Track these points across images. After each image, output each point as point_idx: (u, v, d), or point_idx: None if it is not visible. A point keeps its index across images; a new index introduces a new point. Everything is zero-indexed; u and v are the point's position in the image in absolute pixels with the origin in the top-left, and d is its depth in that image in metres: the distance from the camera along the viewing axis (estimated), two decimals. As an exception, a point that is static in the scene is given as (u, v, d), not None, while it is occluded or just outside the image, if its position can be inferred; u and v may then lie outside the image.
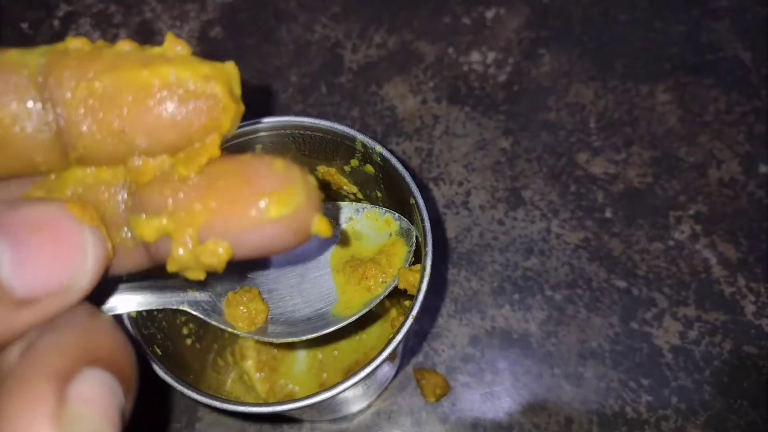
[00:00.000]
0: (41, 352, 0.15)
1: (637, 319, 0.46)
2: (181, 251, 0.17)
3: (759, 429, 0.43)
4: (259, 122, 0.32)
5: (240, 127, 0.32)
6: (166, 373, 0.28)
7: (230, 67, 0.18)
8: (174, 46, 0.17)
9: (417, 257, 0.32)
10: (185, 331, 0.35)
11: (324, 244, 0.34)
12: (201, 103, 0.17)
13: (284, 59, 0.56)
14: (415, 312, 0.27)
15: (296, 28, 0.57)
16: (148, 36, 0.58)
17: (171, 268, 0.17)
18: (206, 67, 0.17)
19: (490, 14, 0.58)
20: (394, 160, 0.31)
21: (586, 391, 0.44)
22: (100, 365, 0.16)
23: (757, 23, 0.57)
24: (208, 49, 0.57)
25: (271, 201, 0.16)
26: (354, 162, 0.33)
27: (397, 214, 0.33)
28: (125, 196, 0.18)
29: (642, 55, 0.56)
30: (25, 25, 0.59)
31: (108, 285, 0.26)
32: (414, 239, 0.33)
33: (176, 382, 0.28)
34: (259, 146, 0.33)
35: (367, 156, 0.32)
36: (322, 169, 0.35)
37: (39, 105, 0.17)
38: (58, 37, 0.58)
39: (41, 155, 0.17)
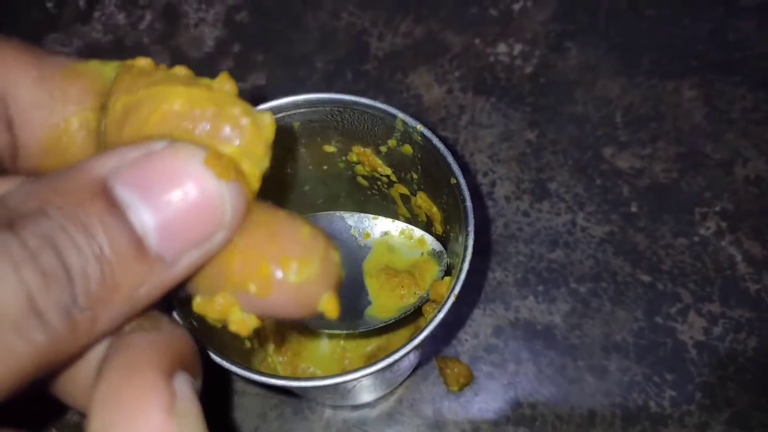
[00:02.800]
0: (145, 348, 0.16)
1: (662, 313, 0.45)
2: (199, 299, 0.17)
3: (783, 427, 0.42)
4: (299, 98, 0.31)
5: (280, 103, 0.32)
6: (210, 350, 0.28)
7: (268, 119, 0.17)
8: (224, 82, 0.17)
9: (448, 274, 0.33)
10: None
11: (359, 251, 0.35)
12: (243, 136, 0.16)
13: (310, 46, 0.56)
14: (457, 290, 0.27)
15: (322, 15, 0.57)
16: (173, 19, 0.57)
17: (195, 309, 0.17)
18: (240, 107, 0.16)
19: (517, 6, 0.57)
20: (435, 140, 0.31)
21: (610, 385, 0.44)
22: (186, 370, 0.16)
23: (784, 23, 0.56)
24: (233, 34, 0.56)
25: (282, 265, 0.16)
26: (392, 142, 0.33)
27: (430, 237, 0.34)
28: None
29: (669, 51, 0.55)
30: (50, 4, 0.58)
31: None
32: (445, 261, 0.34)
33: (214, 353, 0.27)
34: (297, 123, 0.33)
35: (406, 135, 0.32)
36: (357, 149, 0.35)
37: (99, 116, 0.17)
38: (83, 17, 0.58)
39: None
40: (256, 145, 0.16)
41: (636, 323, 0.45)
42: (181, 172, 0.15)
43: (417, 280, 0.33)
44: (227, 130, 0.16)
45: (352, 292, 0.34)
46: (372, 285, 0.34)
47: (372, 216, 0.36)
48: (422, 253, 0.35)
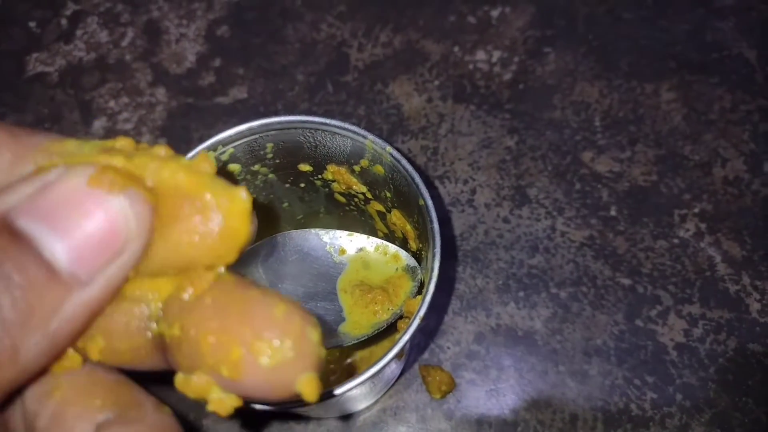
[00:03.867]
0: None
1: (642, 316, 0.46)
2: (179, 376, 0.17)
3: (763, 426, 0.43)
4: (270, 120, 0.32)
5: (252, 125, 0.32)
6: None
7: (244, 195, 0.17)
8: (202, 163, 0.17)
9: (421, 290, 0.34)
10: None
11: (334, 267, 0.36)
12: (216, 226, 0.16)
13: (290, 58, 0.56)
14: (422, 312, 0.28)
15: (302, 27, 0.58)
16: (155, 35, 0.58)
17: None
18: (228, 192, 0.17)
19: (495, 13, 0.58)
20: (404, 161, 0.31)
21: (591, 389, 0.44)
22: None
23: (762, 22, 0.57)
24: (214, 48, 0.57)
25: (253, 349, 0.15)
26: (364, 162, 0.34)
27: (405, 252, 0.35)
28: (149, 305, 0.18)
29: (647, 53, 0.56)
30: (32, 24, 0.59)
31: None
32: (419, 276, 0.35)
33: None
34: (270, 144, 0.34)
35: (377, 156, 0.32)
36: (331, 168, 0.36)
37: None
38: (65, 35, 0.58)
39: None
40: (232, 228, 0.17)
41: (616, 327, 0.46)
42: (76, 197, 0.16)
43: (391, 296, 0.34)
44: (199, 217, 0.16)
45: (326, 309, 0.35)
46: (346, 301, 0.35)
47: (347, 233, 0.36)
48: (397, 269, 0.35)
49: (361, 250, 0.36)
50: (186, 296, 0.17)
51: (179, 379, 0.17)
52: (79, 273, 0.16)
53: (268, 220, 0.40)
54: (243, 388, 0.16)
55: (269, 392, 0.16)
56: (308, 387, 0.16)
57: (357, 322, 0.34)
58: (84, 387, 0.17)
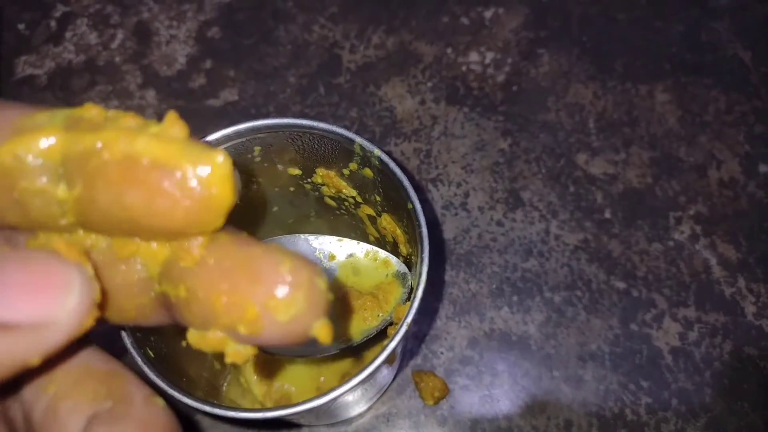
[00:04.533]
0: None
1: (637, 320, 0.46)
2: (192, 333, 0.17)
3: (759, 431, 0.42)
4: (257, 123, 0.31)
5: (239, 128, 0.32)
6: (157, 377, 0.28)
7: (222, 159, 0.16)
8: (172, 126, 0.16)
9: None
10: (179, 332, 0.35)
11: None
12: (194, 197, 0.16)
13: (282, 60, 0.56)
14: (410, 318, 0.27)
15: (294, 29, 0.57)
16: (145, 37, 0.57)
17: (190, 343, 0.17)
18: (203, 158, 0.16)
19: (488, 14, 0.57)
20: (392, 165, 0.30)
21: (586, 394, 0.44)
22: None
23: (757, 22, 0.56)
24: (205, 50, 0.56)
25: (268, 306, 0.16)
26: (353, 165, 0.33)
27: (395, 258, 0.35)
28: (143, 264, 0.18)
29: (641, 54, 0.55)
30: (21, 26, 0.58)
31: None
32: (409, 282, 0.34)
33: (170, 387, 0.27)
34: (257, 148, 0.33)
35: (365, 159, 0.32)
36: (320, 171, 0.35)
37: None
38: (54, 37, 0.58)
39: (57, 219, 0.17)
40: (215, 195, 0.16)
41: (611, 331, 0.45)
42: (29, 255, 0.16)
43: (380, 303, 0.33)
44: (179, 191, 0.16)
45: None
46: (335, 307, 0.34)
47: (337, 238, 0.36)
48: (387, 275, 0.35)
49: (351, 256, 0.36)
50: (182, 263, 0.17)
51: (193, 336, 0.17)
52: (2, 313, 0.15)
53: (257, 224, 0.40)
54: (261, 341, 0.16)
55: (286, 342, 0.16)
56: (323, 332, 0.16)
57: (346, 328, 0.33)
58: (77, 379, 0.17)
